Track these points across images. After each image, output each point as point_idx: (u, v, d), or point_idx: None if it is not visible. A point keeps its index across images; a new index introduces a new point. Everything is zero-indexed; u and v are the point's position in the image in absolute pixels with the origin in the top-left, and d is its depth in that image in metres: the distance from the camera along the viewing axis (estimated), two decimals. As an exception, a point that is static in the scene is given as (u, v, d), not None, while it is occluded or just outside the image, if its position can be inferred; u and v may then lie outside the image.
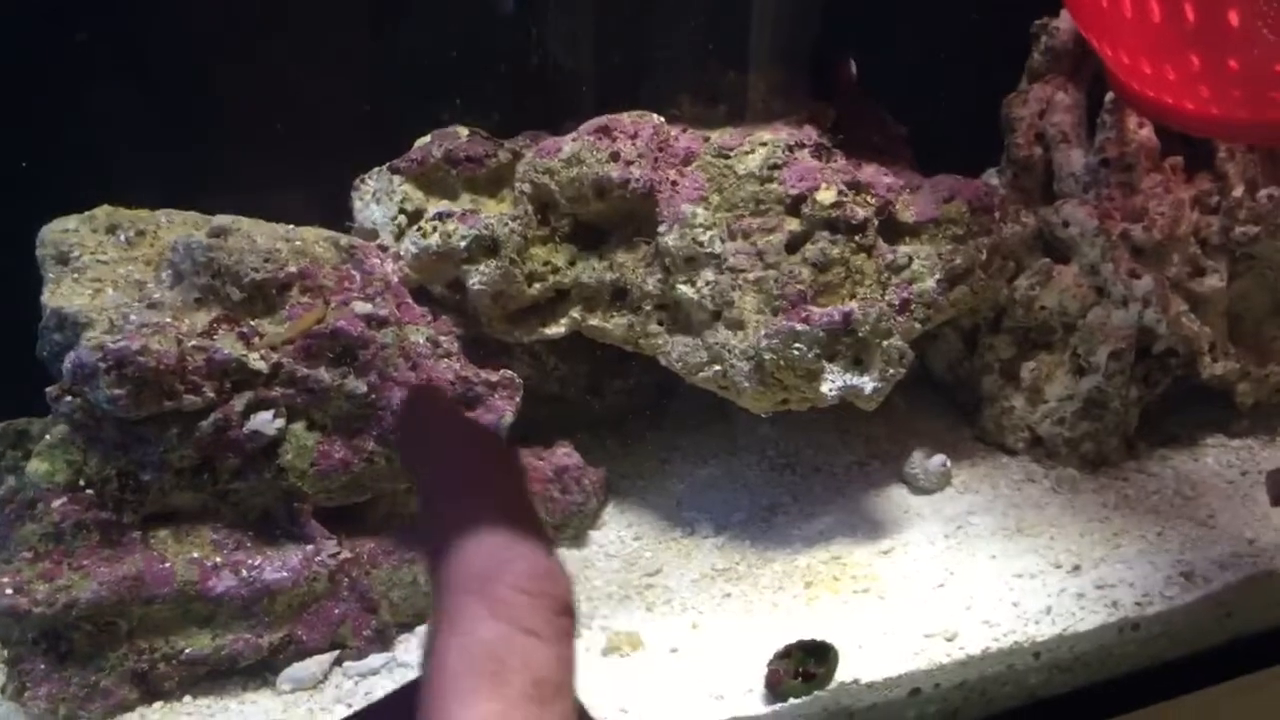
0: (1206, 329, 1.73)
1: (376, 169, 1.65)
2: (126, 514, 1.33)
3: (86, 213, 1.45)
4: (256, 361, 1.35)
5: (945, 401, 1.89)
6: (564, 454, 1.61)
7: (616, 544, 1.62)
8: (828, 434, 1.80)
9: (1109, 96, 1.70)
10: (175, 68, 1.61)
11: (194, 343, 1.32)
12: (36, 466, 1.32)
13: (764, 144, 1.58)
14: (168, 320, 1.34)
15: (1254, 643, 1.50)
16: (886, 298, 1.55)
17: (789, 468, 1.75)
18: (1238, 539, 1.56)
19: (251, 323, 1.38)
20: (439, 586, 0.52)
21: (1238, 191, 1.73)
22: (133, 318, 1.33)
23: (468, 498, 0.54)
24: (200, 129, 1.63)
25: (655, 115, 1.62)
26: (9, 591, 1.27)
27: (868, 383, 1.51)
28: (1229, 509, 1.64)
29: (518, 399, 1.51)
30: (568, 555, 1.59)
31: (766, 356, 1.49)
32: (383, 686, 1.36)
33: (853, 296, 1.53)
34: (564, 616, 0.52)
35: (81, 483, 1.31)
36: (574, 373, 1.72)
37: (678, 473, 1.75)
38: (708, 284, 1.53)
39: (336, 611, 1.39)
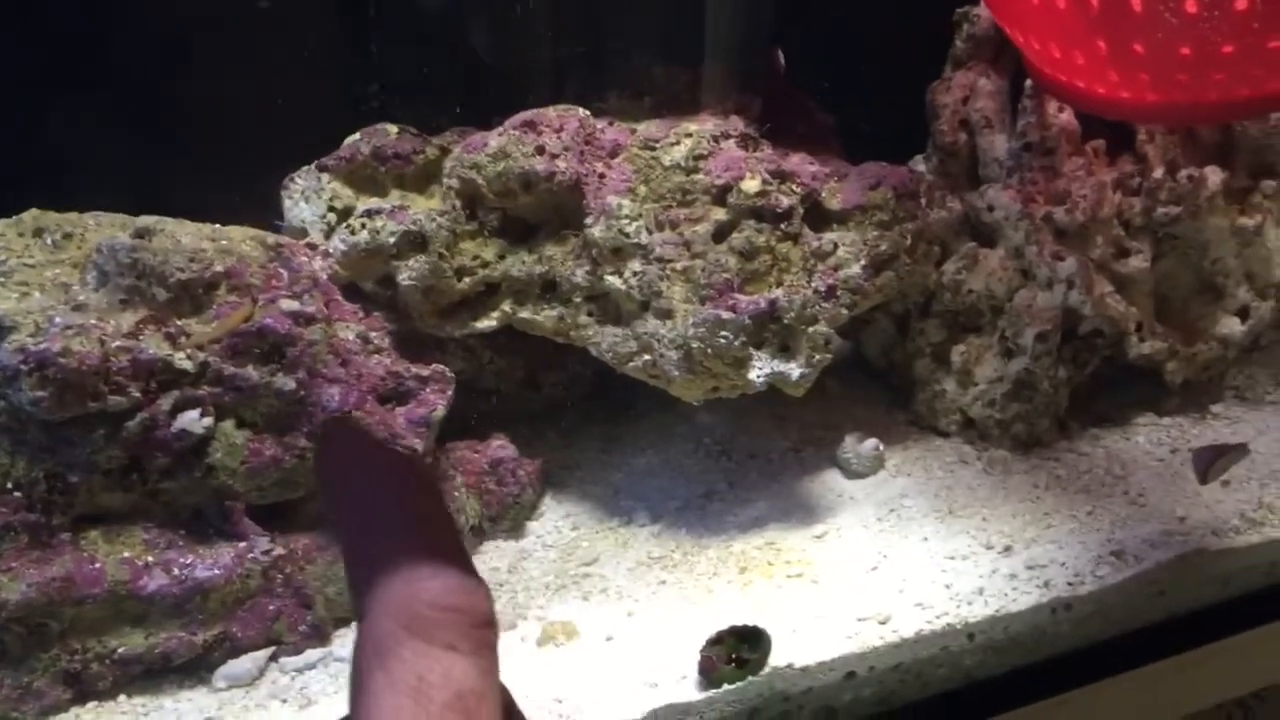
0: (1133, 309, 1.75)
1: (305, 167, 1.65)
2: (55, 516, 1.33)
3: (14, 217, 1.45)
4: (183, 361, 1.35)
5: (880, 386, 1.91)
6: (499, 446, 1.62)
7: (554, 534, 1.63)
8: (764, 420, 1.82)
9: (1029, 82, 1.72)
10: (107, 66, 1.61)
11: (119, 343, 1.32)
12: (-37, 471, 1.32)
13: (689, 135, 1.60)
14: (92, 321, 1.34)
15: (1187, 621, 1.52)
16: (812, 285, 1.57)
17: (725, 454, 1.76)
18: (1168, 517, 1.58)
19: (178, 322, 1.39)
20: (361, 617, 0.54)
21: (1158, 173, 1.76)
22: (57, 320, 1.33)
23: (384, 531, 0.55)
24: (132, 129, 1.63)
25: (581, 109, 1.63)
26: (-63, 595, 1.27)
27: (794, 369, 1.52)
28: (1160, 487, 1.66)
29: (450, 392, 1.52)
30: (504, 546, 1.60)
31: (694, 345, 1.50)
32: (319, 681, 1.36)
33: (779, 284, 1.55)
34: (483, 628, 0.54)
35: (9, 485, 1.31)
36: (510, 366, 1.73)
37: (616, 462, 1.76)
38: (635, 274, 1.54)
39: (271, 608, 1.39)
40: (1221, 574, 1.53)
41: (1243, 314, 1.83)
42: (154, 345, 1.34)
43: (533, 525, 1.64)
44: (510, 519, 1.61)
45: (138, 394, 1.33)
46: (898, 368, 1.86)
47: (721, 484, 1.70)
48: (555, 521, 1.65)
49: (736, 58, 1.74)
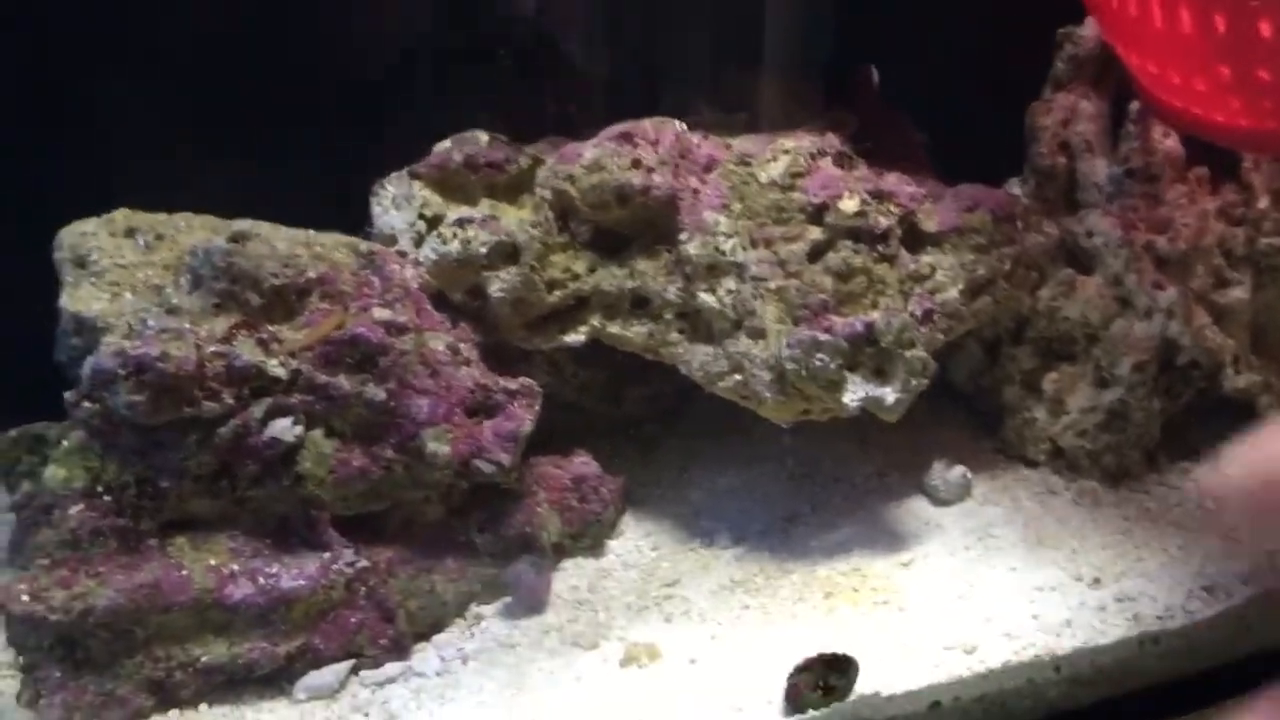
0: (1230, 341, 1.72)
1: (396, 174, 1.64)
2: (144, 521, 1.32)
3: (104, 216, 1.45)
4: (275, 368, 1.34)
5: (966, 412, 1.89)
6: (581, 463, 1.60)
7: (634, 554, 1.61)
8: (847, 444, 1.79)
9: (1134, 105, 1.69)
10: (193, 71, 1.61)
11: (213, 349, 1.32)
12: (54, 472, 1.32)
13: (786, 152, 1.58)
14: (187, 326, 1.33)
15: (1275, 657, 1.48)
16: (909, 307, 1.54)
17: (808, 478, 1.74)
18: (1259, 553, 1.54)
19: (271, 328, 1.38)
20: None
21: (1263, 203, 1.72)
22: (151, 323, 1.32)
23: None
24: (219, 131, 1.63)
25: (677, 122, 1.61)
26: (25, 598, 1.26)
27: (890, 393, 1.50)
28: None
29: (537, 407, 1.50)
30: (585, 565, 1.58)
31: (788, 366, 1.48)
32: (399, 696, 1.34)
33: (875, 306, 1.53)
34: None
35: (99, 489, 1.31)
36: (593, 380, 1.71)
37: (696, 482, 1.74)
38: (729, 292, 1.52)
39: (353, 620, 1.38)
40: (1311, 611, 1.49)
41: (1340, 349, 1.79)
42: (248, 351, 1.33)
43: (613, 544, 1.62)
44: (591, 537, 1.60)
45: (231, 400, 1.32)
46: (986, 394, 1.83)
47: (805, 507, 1.68)
48: (636, 541, 1.63)
49: (831, 73, 1.73)
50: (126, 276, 1.40)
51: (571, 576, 1.55)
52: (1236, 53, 1.21)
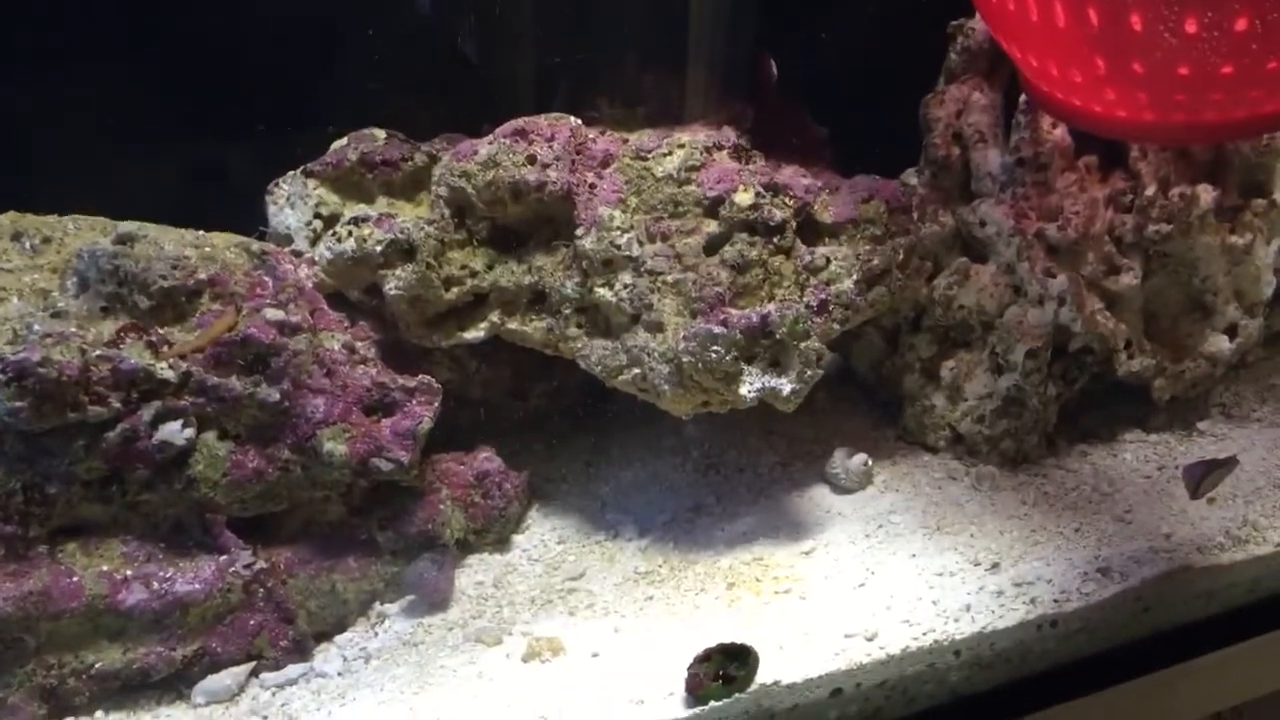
0: (1122, 326, 1.75)
1: (291, 172, 1.62)
2: (33, 527, 1.31)
3: (-8, 220, 1.42)
4: (165, 370, 1.33)
5: (868, 400, 1.91)
6: (485, 458, 1.60)
7: (540, 548, 1.61)
8: (752, 434, 1.81)
9: (1023, 97, 1.72)
10: (87, 65, 1.58)
11: (99, 352, 1.30)
12: (-62, 481, 1.29)
13: (682, 146, 1.59)
14: (73, 329, 1.31)
15: (1172, 637, 1.52)
16: (805, 299, 1.56)
17: (713, 469, 1.76)
18: (1154, 534, 1.58)
19: (160, 331, 1.36)
20: None
21: (1151, 190, 1.75)
22: (36, 327, 1.30)
23: None
24: (113, 130, 1.61)
25: (572, 118, 1.61)
26: (-89, 608, 1.24)
27: (786, 384, 1.51)
28: (1146, 504, 1.66)
29: (436, 404, 1.50)
30: (490, 560, 1.58)
31: (685, 359, 1.49)
32: (300, 697, 1.34)
33: (771, 298, 1.54)
34: None
35: (-15, 496, 1.29)
36: (497, 377, 1.71)
37: (602, 475, 1.75)
38: (626, 287, 1.52)
39: (252, 622, 1.37)
40: (1206, 590, 1.53)
41: (1231, 332, 1.83)
42: (135, 354, 1.32)
43: (518, 539, 1.63)
44: (496, 532, 1.60)
45: (118, 404, 1.30)
46: (887, 382, 1.86)
47: (710, 498, 1.69)
48: (541, 535, 1.64)
49: (729, 67, 1.73)
50: (12, 281, 1.37)
51: (476, 572, 1.56)
52: (1110, 45, 1.23)
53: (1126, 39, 1.21)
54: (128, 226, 1.40)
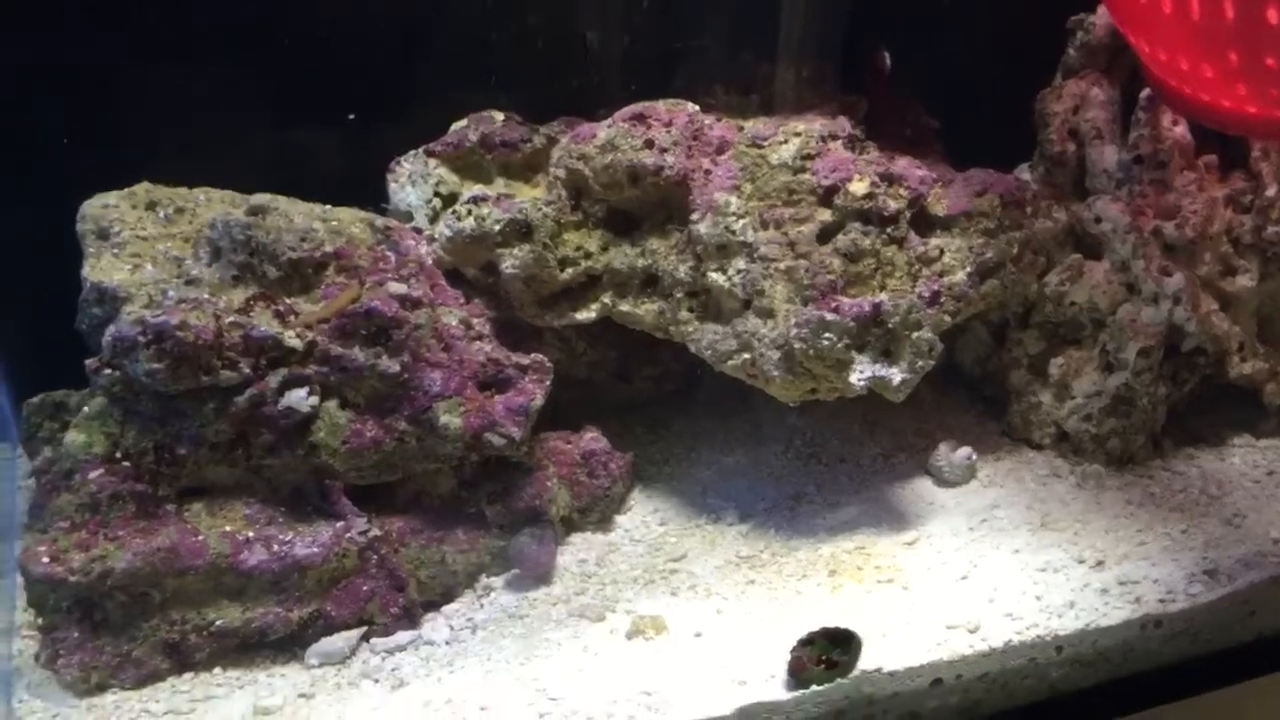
0: (1236, 328, 1.73)
1: (412, 152, 1.66)
2: (162, 487, 1.35)
3: (127, 189, 1.47)
4: (292, 339, 1.37)
5: (972, 396, 1.90)
6: (591, 439, 1.63)
7: (642, 529, 1.63)
8: (854, 425, 1.81)
9: (1144, 93, 1.70)
10: (211, 47, 1.63)
11: (231, 319, 1.34)
12: (74, 438, 1.35)
13: (798, 134, 1.59)
14: (205, 296, 1.36)
15: (1277, 642, 1.50)
16: (917, 290, 1.56)
17: (814, 458, 1.76)
18: (1263, 538, 1.57)
19: (288, 301, 1.40)
20: None
21: (1271, 191, 1.73)
22: (171, 293, 1.35)
23: None
24: (236, 110, 1.65)
25: (690, 104, 1.63)
26: (45, 560, 1.29)
27: (896, 374, 1.52)
28: (1255, 508, 1.64)
29: (548, 382, 1.53)
30: (593, 539, 1.60)
31: (796, 346, 1.49)
32: (409, 663, 1.37)
33: (883, 288, 1.54)
34: None
35: (118, 455, 1.34)
36: (603, 358, 1.74)
37: (704, 460, 1.76)
38: (739, 272, 1.54)
39: (365, 588, 1.40)
40: (1313, 597, 1.51)
41: (1346, 338, 1.80)
42: (265, 322, 1.36)
43: (621, 519, 1.65)
44: (599, 511, 1.62)
45: (248, 370, 1.35)
46: (992, 378, 1.85)
47: (810, 487, 1.70)
48: (643, 516, 1.65)
49: (843, 57, 1.74)
50: (147, 248, 1.42)
51: (580, 550, 1.58)
52: (1244, 39, 1.22)
53: (1262, 32, 1.20)
54: (260, 198, 1.45)
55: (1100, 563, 1.52)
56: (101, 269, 1.38)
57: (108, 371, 1.32)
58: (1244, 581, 1.48)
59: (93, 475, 1.32)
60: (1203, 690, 1.44)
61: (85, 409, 1.36)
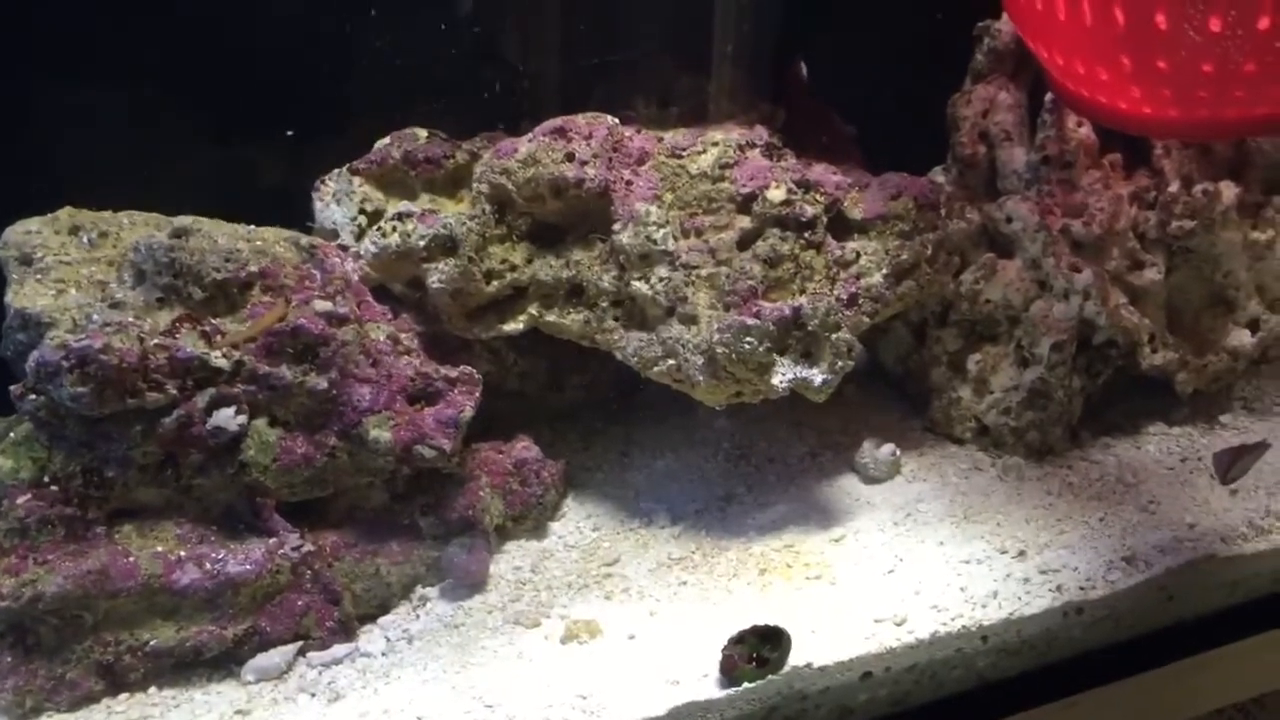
0: (1145, 320, 1.78)
1: (336, 170, 1.67)
2: (91, 509, 1.35)
3: (49, 214, 1.47)
4: (218, 359, 1.37)
5: (896, 393, 1.94)
6: (523, 447, 1.64)
7: (575, 534, 1.65)
8: (782, 426, 1.85)
9: (1049, 96, 1.75)
10: (133, 69, 1.62)
11: (156, 341, 1.35)
12: (1, 464, 1.35)
13: (716, 144, 1.62)
14: (130, 319, 1.36)
15: (1195, 625, 1.55)
16: (835, 292, 1.59)
17: (744, 459, 1.79)
18: (1178, 524, 1.61)
19: (213, 321, 1.41)
20: None
21: (1174, 187, 1.79)
22: (95, 317, 1.35)
23: None
24: (163, 130, 1.66)
25: (609, 116, 1.65)
26: (-25, 586, 1.29)
27: (817, 375, 1.55)
28: (1170, 495, 1.69)
29: (477, 394, 1.54)
30: (527, 546, 1.62)
31: (719, 350, 1.52)
32: (345, 676, 1.38)
33: (802, 291, 1.58)
34: None
35: (46, 479, 1.34)
36: (534, 368, 1.75)
37: (636, 465, 1.78)
38: (661, 280, 1.56)
39: (300, 603, 1.41)
40: (1229, 580, 1.56)
41: (1253, 326, 1.86)
42: (191, 343, 1.37)
43: (555, 526, 1.66)
44: (533, 519, 1.64)
45: (175, 391, 1.35)
46: (914, 375, 1.89)
47: (740, 487, 1.73)
48: (577, 522, 1.67)
49: (761, 68, 1.77)
50: (71, 273, 1.42)
51: (514, 558, 1.59)
52: (1135, 43, 1.27)
53: (1152, 37, 1.25)
54: (183, 221, 1.45)
55: (1022, 553, 1.55)
56: (25, 295, 1.38)
57: (32, 397, 1.32)
58: (1161, 567, 1.52)
59: (21, 500, 1.32)
60: (1126, 675, 1.48)
61: (11, 435, 1.36)
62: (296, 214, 1.66)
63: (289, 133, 1.70)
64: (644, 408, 1.86)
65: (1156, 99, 1.33)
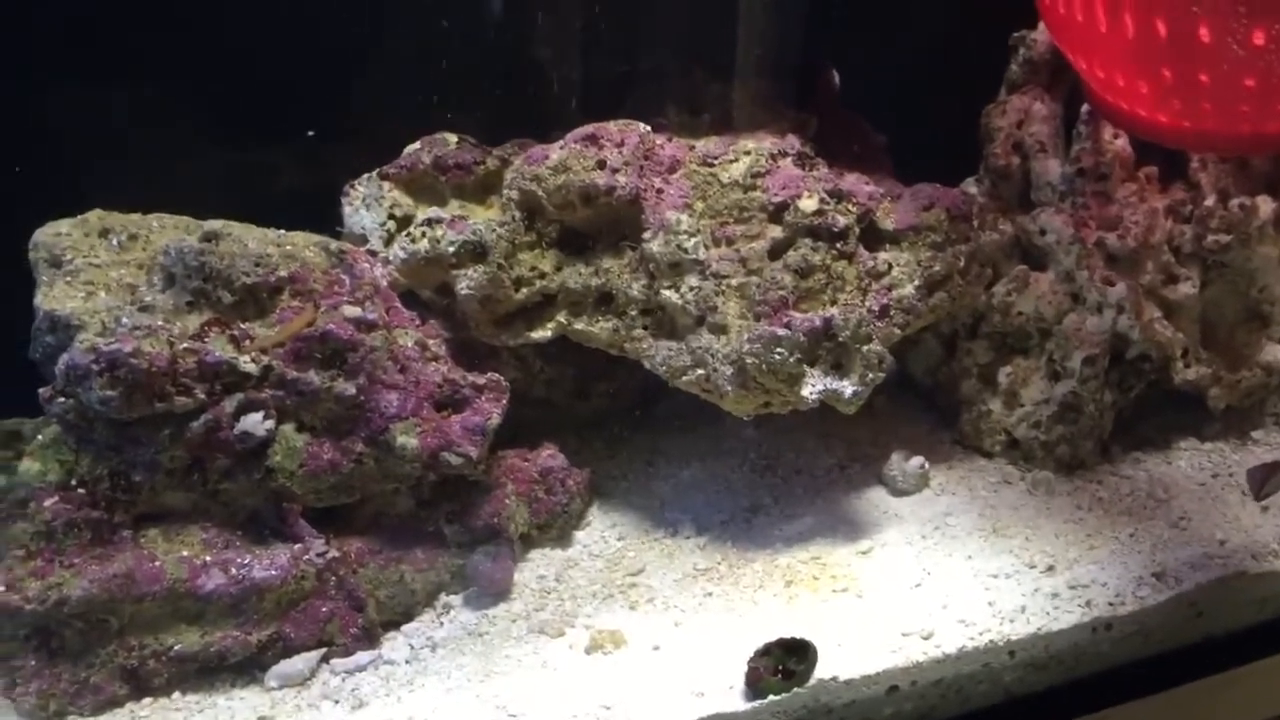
0: (1179, 335, 1.76)
1: (366, 175, 1.67)
2: (118, 513, 1.35)
3: (79, 216, 1.47)
4: (247, 364, 1.37)
5: (925, 405, 1.93)
6: (549, 455, 1.64)
7: (600, 544, 1.64)
8: (809, 437, 1.83)
9: (1085, 107, 1.74)
10: (167, 72, 1.63)
11: (185, 345, 1.35)
12: (29, 466, 1.34)
13: (747, 152, 1.62)
14: (159, 323, 1.36)
15: (1225, 642, 1.54)
16: (867, 303, 1.58)
17: (770, 470, 1.78)
18: (1209, 540, 1.60)
19: (242, 326, 1.41)
20: None
21: (1210, 200, 1.77)
22: (125, 320, 1.35)
23: None
24: (194, 134, 1.66)
25: (641, 124, 1.65)
26: (1, 589, 1.29)
27: (847, 387, 1.54)
28: (1200, 511, 1.68)
29: (505, 401, 1.54)
30: (551, 555, 1.61)
31: (749, 360, 1.51)
32: (369, 683, 1.38)
33: (834, 302, 1.56)
34: None
35: (73, 482, 1.34)
36: (560, 376, 1.75)
37: (662, 474, 1.78)
38: (691, 289, 1.55)
39: (324, 609, 1.41)
40: (1259, 597, 1.55)
41: (1287, 341, 1.84)
42: (219, 348, 1.36)
43: (579, 535, 1.66)
44: (558, 528, 1.63)
45: (203, 395, 1.35)
46: (943, 388, 1.88)
47: (767, 499, 1.72)
48: (602, 531, 1.67)
49: (792, 76, 1.76)
50: (100, 276, 1.42)
51: (539, 566, 1.59)
52: (1177, 56, 1.25)
53: (1194, 50, 1.23)
54: (213, 224, 1.45)
55: (1051, 567, 1.54)
56: (54, 297, 1.38)
57: (61, 400, 1.32)
58: (1191, 583, 1.51)
59: (48, 503, 1.32)
60: (1153, 691, 1.47)
61: (39, 437, 1.35)
62: (324, 219, 1.65)
63: (313, 137, 1.69)
64: (670, 417, 1.86)
65: (1197, 112, 1.31)
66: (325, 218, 1.65)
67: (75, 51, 1.57)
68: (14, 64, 1.53)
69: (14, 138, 1.56)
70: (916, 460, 1.73)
